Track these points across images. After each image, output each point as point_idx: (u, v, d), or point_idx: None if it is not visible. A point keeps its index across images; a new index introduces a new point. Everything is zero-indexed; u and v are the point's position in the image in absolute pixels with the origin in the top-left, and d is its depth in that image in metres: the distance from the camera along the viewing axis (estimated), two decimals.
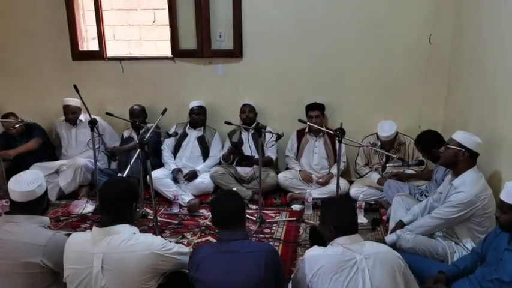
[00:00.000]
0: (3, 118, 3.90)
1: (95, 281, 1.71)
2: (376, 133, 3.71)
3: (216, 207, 1.96)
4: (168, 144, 4.11)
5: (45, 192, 2.05)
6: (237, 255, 1.81)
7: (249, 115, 4.02)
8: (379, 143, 3.74)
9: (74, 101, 4.02)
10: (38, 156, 4.02)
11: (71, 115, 4.11)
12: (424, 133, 3.20)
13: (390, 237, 2.59)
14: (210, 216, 3.40)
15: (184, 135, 4.11)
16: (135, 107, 4.14)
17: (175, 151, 4.11)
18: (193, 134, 4.12)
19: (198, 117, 4.08)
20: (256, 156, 3.64)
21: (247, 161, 3.94)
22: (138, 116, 4.05)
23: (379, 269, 1.69)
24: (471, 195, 2.33)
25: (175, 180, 3.87)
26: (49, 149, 4.27)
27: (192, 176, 3.90)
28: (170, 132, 3.68)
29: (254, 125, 3.91)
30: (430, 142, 3.08)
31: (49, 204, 2.27)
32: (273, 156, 4.07)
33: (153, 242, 1.80)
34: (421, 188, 3.37)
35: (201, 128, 4.14)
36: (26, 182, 1.95)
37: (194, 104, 4.11)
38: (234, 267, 1.78)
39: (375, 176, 3.76)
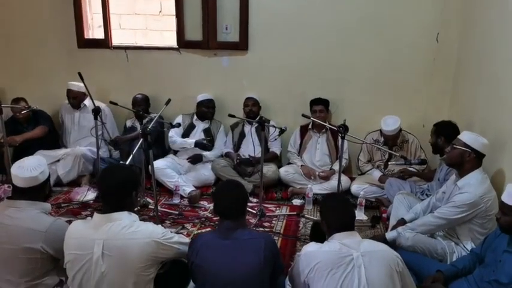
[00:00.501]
0: (13, 102, 3.88)
1: (95, 267, 1.72)
2: (380, 130, 3.70)
3: (219, 197, 1.95)
4: (176, 132, 4.06)
5: (48, 179, 2.06)
6: (237, 242, 1.82)
7: (252, 108, 4.01)
8: (382, 139, 3.73)
9: (77, 86, 3.97)
10: (42, 143, 4.02)
11: (72, 99, 4.10)
12: (448, 121, 3.18)
13: (391, 234, 2.59)
14: (211, 207, 3.43)
15: (192, 126, 4.11)
16: (137, 95, 4.14)
17: None
18: (200, 126, 4.12)
19: (207, 110, 4.08)
20: (258, 153, 3.65)
21: (250, 163, 3.94)
22: (140, 105, 4.05)
23: (376, 266, 1.68)
24: (475, 196, 2.32)
25: (205, 147, 3.90)
26: (54, 137, 4.28)
27: (197, 159, 3.90)
28: (174, 123, 3.68)
29: (257, 118, 3.90)
30: (446, 129, 3.05)
31: (51, 190, 2.28)
32: (278, 151, 4.09)
33: (154, 231, 1.80)
34: (422, 186, 3.36)
35: (208, 121, 4.14)
36: (29, 168, 1.95)
37: (204, 97, 4.09)
38: (234, 253, 1.80)
39: (377, 174, 3.75)
